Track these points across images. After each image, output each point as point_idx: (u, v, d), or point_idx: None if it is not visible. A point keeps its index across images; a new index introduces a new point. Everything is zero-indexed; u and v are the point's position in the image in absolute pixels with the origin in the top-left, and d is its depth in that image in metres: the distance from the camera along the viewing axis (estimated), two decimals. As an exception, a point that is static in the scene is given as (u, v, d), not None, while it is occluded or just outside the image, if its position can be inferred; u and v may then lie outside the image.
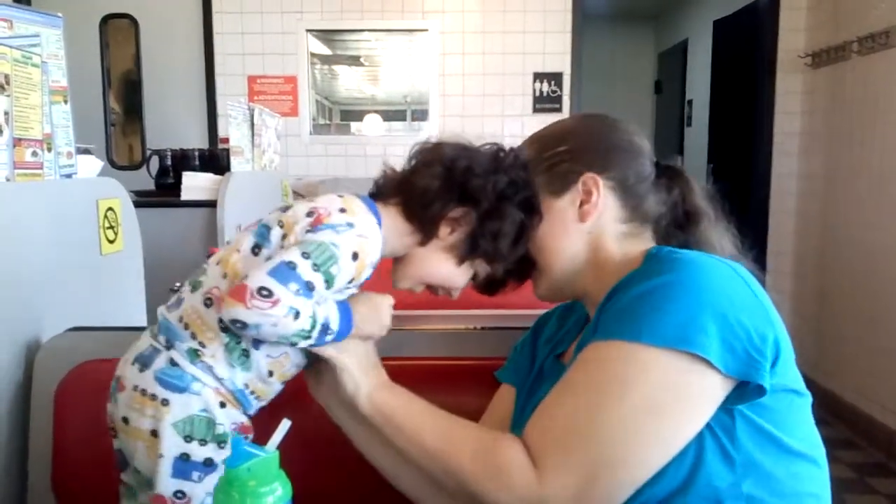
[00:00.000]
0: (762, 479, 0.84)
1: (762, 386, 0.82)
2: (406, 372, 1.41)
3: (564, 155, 1.04)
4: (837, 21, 4.03)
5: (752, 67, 4.64)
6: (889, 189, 3.51)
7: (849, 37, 3.83)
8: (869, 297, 3.68)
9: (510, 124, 4.75)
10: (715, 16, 5.66)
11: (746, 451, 0.84)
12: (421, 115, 4.87)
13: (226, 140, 2.95)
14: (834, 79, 4.08)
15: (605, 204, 1.01)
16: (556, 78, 4.70)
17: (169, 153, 3.02)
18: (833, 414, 3.92)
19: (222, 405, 0.95)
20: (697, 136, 6.35)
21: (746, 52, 4.82)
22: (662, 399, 0.82)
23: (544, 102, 4.72)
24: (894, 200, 3.45)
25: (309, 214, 0.94)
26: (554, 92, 4.70)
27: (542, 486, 0.82)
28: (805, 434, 0.90)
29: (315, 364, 1.03)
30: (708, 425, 0.83)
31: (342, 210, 0.96)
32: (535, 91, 4.72)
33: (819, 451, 0.92)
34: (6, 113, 1.30)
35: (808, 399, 0.92)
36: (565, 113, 4.71)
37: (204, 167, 2.91)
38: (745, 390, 0.83)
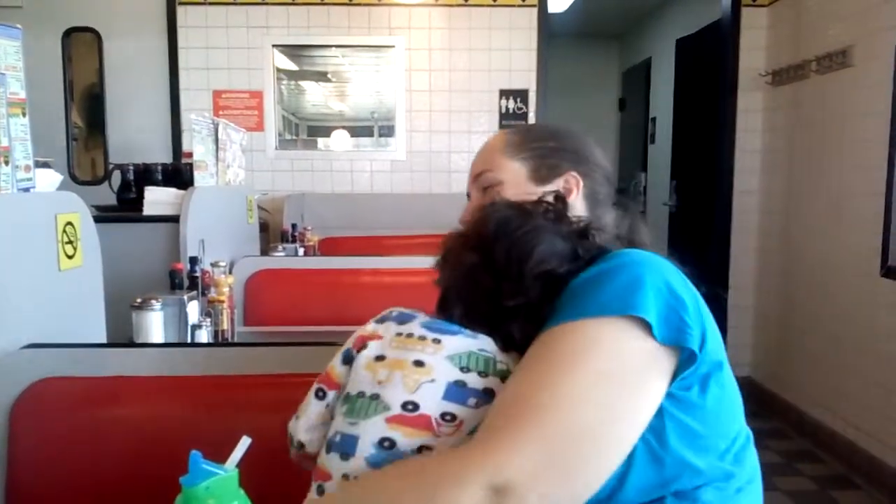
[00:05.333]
0: (692, 477, 0.86)
1: (694, 352, 0.85)
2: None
3: (554, 150, 1.15)
4: (797, 40, 4.12)
5: (714, 85, 4.72)
6: (849, 205, 3.58)
7: (808, 56, 3.92)
8: (831, 313, 3.74)
9: (476, 141, 4.76)
10: (678, 34, 5.75)
11: (675, 451, 0.85)
12: (388, 130, 4.87)
13: (189, 155, 2.92)
14: (794, 97, 4.16)
15: (576, 206, 1.10)
16: (521, 95, 4.74)
17: (131, 168, 2.98)
18: (795, 427, 3.97)
19: None
20: (661, 153, 6.43)
21: (708, 70, 4.90)
22: (613, 368, 0.83)
23: (510, 119, 4.74)
24: (854, 216, 3.52)
25: None
26: (520, 108, 4.73)
27: (500, 463, 0.76)
28: (732, 432, 0.91)
29: None
30: None
31: None
32: (501, 107, 4.75)
33: (742, 449, 0.93)
34: (-39, 125, 1.28)
35: (733, 400, 0.93)
36: (531, 129, 4.73)
37: (167, 182, 2.87)
38: (679, 362, 0.86)
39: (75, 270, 1.63)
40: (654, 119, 7.08)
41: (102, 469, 1.32)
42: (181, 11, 4.59)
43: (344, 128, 5.04)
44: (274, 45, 4.70)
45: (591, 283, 0.89)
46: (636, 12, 7.20)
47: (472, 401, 0.87)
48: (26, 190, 1.51)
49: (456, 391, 0.87)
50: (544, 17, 4.70)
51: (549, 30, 4.80)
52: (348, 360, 0.96)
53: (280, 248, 3.48)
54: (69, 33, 4.52)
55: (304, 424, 0.96)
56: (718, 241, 4.64)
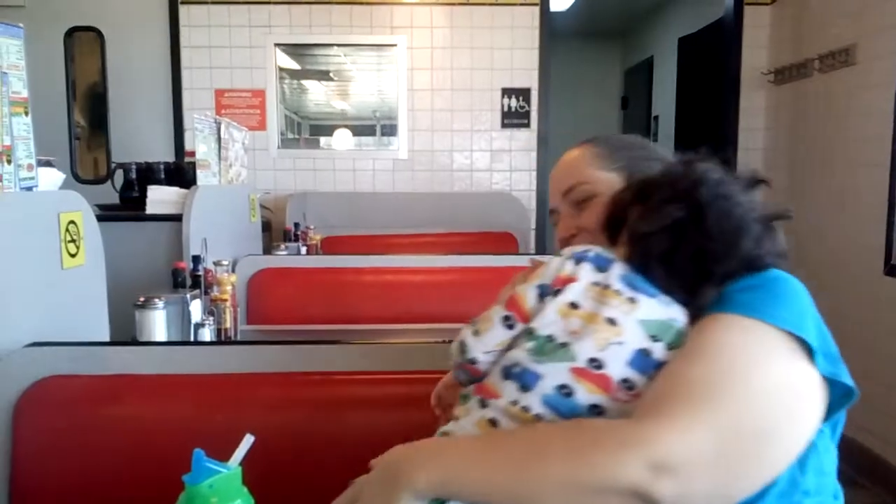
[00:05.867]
0: None
1: (851, 389, 0.85)
2: (374, 384, 1.40)
3: (643, 158, 1.16)
4: (799, 38, 4.11)
5: (717, 84, 4.72)
6: (852, 204, 3.57)
7: (810, 54, 3.91)
8: (833, 311, 3.72)
9: (478, 139, 4.77)
10: (680, 33, 5.75)
11: (807, 480, 0.85)
12: (390, 129, 4.88)
13: (192, 153, 2.93)
14: (796, 95, 4.15)
15: None
16: (524, 94, 4.73)
17: (134, 167, 2.98)
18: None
19: None
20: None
21: (711, 68, 4.90)
22: (796, 379, 0.83)
23: (512, 118, 4.74)
24: (857, 215, 3.52)
25: None
26: (522, 107, 4.73)
27: (668, 441, 0.75)
28: (834, 476, 0.93)
29: None
30: None
31: None
32: (503, 106, 4.74)
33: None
34: (-36, 124, 1.28)
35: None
36: (533, 129, 4.74)
37: (169, 181, 2.88)
38: (834, 399, 0.86)
39: (78, 269, 1.63)
40: (656, 117, 7.08)
41: (106, 467, 1.32)
42: (183, 10, 4.60)
43: (346, 127, 5.05)
44: (276, 44, 4.71)
45: (763, 288, 0.89)
46: (638, 11, 7.20)
47: (653, 372, 0.86)
48: (29, 189, 1.51)
49: (641, 359, 0.86)
50: (546, 15, 4.70)
51: (552, 28, 4.79)
52: (543, 296, 0.93)
53: (283, 246, 3.48)
54: (71, 32, 4.53)
55: (485, 346, 0.94)
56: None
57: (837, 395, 0.86)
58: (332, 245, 4.06)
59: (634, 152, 1.18)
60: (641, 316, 0.88)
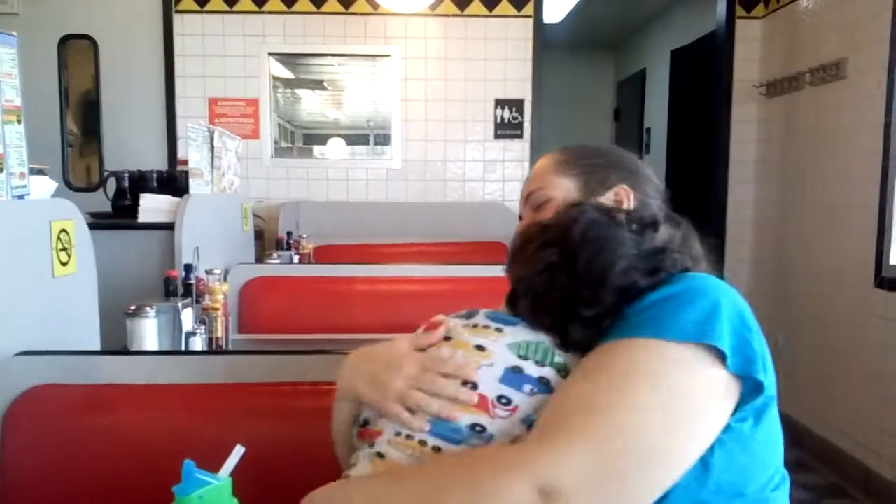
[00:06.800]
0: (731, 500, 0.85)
1: (761, 383, 0.85)
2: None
3: (603, 165, 1.18)
4: (791, 52, 4.14)
5: (709, 96, 4.74)
6: (843, 216, 3.59)
7: (801, 67, 3.93)
8: (823, 323, 3.75)
9: (472, 150, 4.78)
10: (672, 46, 5.79)
11: (719, 479, 0.84)
12: (384, 139, 4.88)
13: (185, 162, 2.92)
14: (788, 108, 4.18)
15: None
16: (517, 105, 4.75)
17: (126, 175, 2.98)
18: (789, 438, 3.96)
19: None
20: (655, 163, 6.45)
21: (703, 81, 4.93)
22: (684, 392, 0.82)
23: (506, 128, 4.76)
24: (848, 227, 3.53)
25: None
26: (515, 118, 4.75)
27: (550, 463, 0.74)
28: (771, 467, 0.92)
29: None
30: None
31: None
32: (496, 117, 4.76)
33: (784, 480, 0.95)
34: (-43, 132, 1.27)
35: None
36: (526, 139, 4.76)
37: (162, 189, 2.87)
38: (742, 393, 0.86)
39: (69, 277, 1.63)
40: (648, 129, 7.11)
41: (96, 477, 1.32)
42: (178, 19, 4.60)
43: (339, 136, 5.05)
44: (270, 54, 4.71)
45: (667, 304, 0.88)
46: (631, 23, 7.23)
47: (527, 387, 0.88)
48: (21, 197, 1.50)
49: (512, 376, 0.88)
50: (540, 27, 4.72)
51: (545, 40, 4.81)
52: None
53: (275, 255, 3.48)
54: (65, 40, 4.52)
55: None
56: (712, 251, 4.64)
57: (749, 389, 0.86)
58: (324, 254, 4.06)
59: (596, 160, 1.19)
60: (508, 341, 0.91)
